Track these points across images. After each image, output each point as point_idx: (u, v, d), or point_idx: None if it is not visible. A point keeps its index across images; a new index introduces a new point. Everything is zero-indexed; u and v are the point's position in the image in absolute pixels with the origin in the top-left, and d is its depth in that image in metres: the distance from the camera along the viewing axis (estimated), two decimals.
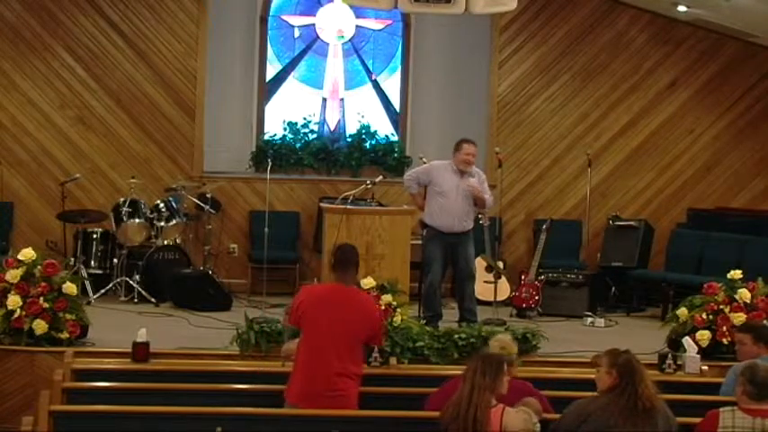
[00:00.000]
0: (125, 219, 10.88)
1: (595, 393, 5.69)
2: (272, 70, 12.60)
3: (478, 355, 5.85)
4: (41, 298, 8.08)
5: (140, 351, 7.50)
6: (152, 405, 6.20)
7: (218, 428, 5.80)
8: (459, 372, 5.74)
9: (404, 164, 12.44)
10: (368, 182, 9.98)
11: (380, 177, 10.60)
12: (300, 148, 12.45)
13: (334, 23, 12.61)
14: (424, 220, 9.55)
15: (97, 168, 11.95)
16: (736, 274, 8.70)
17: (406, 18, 12.55)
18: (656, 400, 5.49)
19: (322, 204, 10.65)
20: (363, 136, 12.57)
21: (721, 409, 5.66)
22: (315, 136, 12.57)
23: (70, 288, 8.23)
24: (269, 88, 12.60)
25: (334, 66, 12.70)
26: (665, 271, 11.49)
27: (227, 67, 12.29)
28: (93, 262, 11.08)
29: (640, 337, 9.46)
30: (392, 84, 12.76)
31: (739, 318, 8.38)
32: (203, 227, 11.69)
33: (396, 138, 12.67)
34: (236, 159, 12.33)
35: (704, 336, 8.44)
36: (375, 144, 12.57)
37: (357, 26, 12.66)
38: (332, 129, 12.71)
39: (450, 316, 9.72)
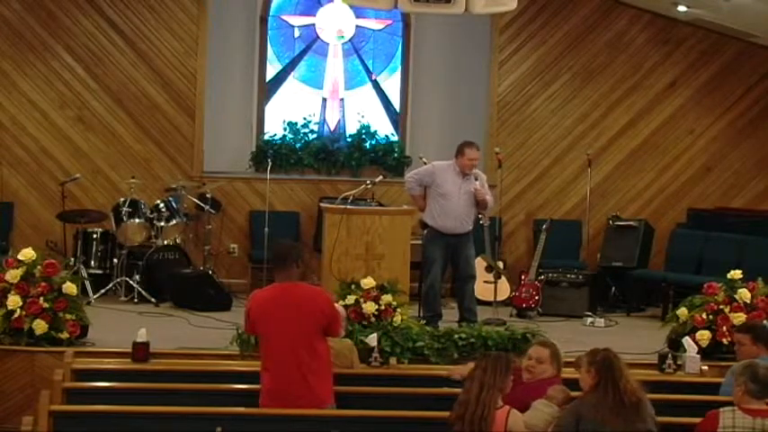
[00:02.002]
0: (125, 219, 10.87)
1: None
2: (272, 70, 12.60)
3: (487, 355, 5.87)
4: (41, 298, 8.07)
5: (140, 351, 7.50)
6: (152, 405, 6.20)
7: (218, 428, 5.80)
8: None
9: (404, 164, 12.44)
10: (368, 182, 9.96)
11: (380, 177, 10.59)
12: (300, 148, 12.44)
13: (334, 23, 12.60)
14: (425, 220, 9.54)
15: (97, 168, 11.95)
16: (736, 274, 8.69)
17: (406, 18, 12.54)
18: (642, 394, 5.49)
19: (322, 204, 10.64)
20: (363, 136, 12.56)
21: (721, 410, 5.65)
22: (315, 136, 12.56)
23: (70, 288, 8.22)
24: (269, 88, 12.59)
25: (334, 66, 12.69)
26: (665, 271, 11.47)
27: (227, 67, 12.28)
28: (93, 262, 11.08)
29: (640, 337, 9.46)
30: (392, 84, 12.75)
31: (739, 318, 8.38)
32: (203, 227, 11.68)
33: (396, 138, 12.66)
34: (236, 159, 12.33)
35: (704, 336, 8.43)
36: (375, 144, 12.56)
37: (357, 26, 12.65)
38: (332, 129, 12.70)
39: (450, 316, 9.71)
